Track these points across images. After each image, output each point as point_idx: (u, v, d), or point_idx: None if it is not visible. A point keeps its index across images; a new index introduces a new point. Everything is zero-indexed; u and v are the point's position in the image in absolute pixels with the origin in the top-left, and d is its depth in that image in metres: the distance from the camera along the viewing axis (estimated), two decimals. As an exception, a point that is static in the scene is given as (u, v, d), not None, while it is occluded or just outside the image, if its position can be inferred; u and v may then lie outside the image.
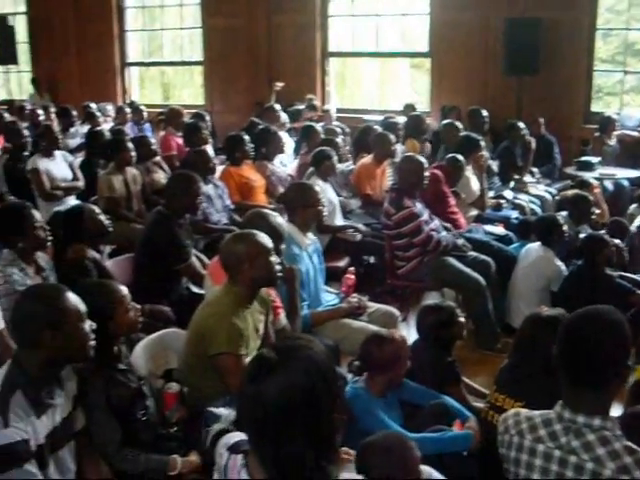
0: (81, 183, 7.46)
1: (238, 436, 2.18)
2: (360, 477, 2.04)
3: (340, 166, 7.45)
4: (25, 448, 2.62)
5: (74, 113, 10.66)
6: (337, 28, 12.23)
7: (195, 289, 5.17)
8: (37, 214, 4.45)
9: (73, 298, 2.78)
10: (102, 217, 4.83)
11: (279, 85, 10.88)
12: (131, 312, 3.33)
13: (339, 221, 6.77)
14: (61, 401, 2.84)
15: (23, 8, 14.74)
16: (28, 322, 2.70)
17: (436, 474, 3.02)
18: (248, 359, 3.64)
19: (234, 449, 2.13)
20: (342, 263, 6.32)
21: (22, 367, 2.70)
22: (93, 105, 11.15)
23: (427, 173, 5.97)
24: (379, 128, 8.23)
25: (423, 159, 6.12)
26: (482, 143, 7.46)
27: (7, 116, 10.30)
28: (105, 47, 13.78)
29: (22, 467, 2.60)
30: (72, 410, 2.94)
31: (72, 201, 7.19)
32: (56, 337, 2.68)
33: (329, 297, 4.99)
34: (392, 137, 7.60)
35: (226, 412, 3.29)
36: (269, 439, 1.90)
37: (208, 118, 9.21)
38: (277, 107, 9.66)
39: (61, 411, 2.85)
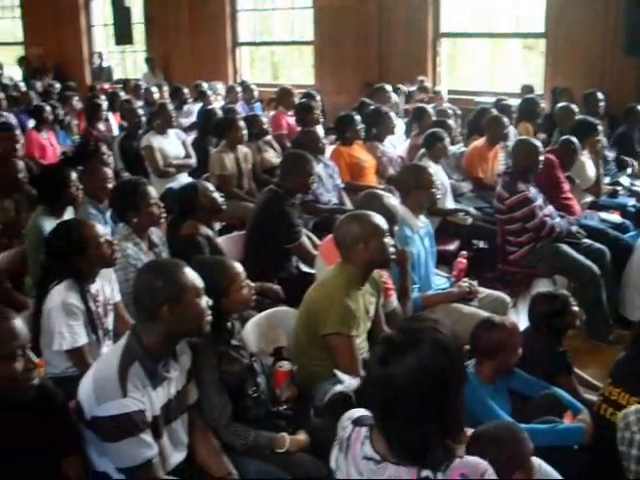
0: (193, 160, 7.58)
1: (362, 411, 2.19)
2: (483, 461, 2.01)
3: (451, 148, 7.32)
4: (141, 418, 2.67)
5: (186, 91, 10.82)
6: (449, 8, 12.02)
7: (305, 268, 5.19)
8: (152, 191, 4.52)
9: (192, 274, 2.81)
10: (216, 194, 4.86)
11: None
12: (245, 289, 3.34)
13: (450, 204, 6.66)
14: (176, 374, 2.88)
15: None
16: (148, 295, 2.74)
17: (547, 467, 2.94)
18: (359, 340, 3.65)
19: (358, 422, 2.15)
20: (452, 247, 6.22)
21: (140, 339, 2.75)
22: (204, 84, 11.32)
23: (542, 157, 5.80)
24: (494, 111, 8.05)
25: (538, 142, 5.95)
26: (599, 127, 7.19)
27: (123, 95, 10.56)
28: (217, 27, 13.95)
29: (138, 436, 2.65)
30: (186, 383, 2.98)
31: (184, 178, 7.31)
32: (174, 311, 2.71)
33: (439, 281, 4.92)
34: (505, 120, 7.42)
35: (350, 380, 3.31)
36: (397, 420, 1.92)
37: (319, 98, 9.19)
38: (388, 88, 9.57)
39: (176, 384, 2.90)
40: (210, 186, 4.93)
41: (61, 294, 3.61)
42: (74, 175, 5.15)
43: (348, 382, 3.28)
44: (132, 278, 4.10)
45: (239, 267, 3.38)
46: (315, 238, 5.44)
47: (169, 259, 2.91)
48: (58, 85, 12.82)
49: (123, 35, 14.35)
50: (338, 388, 3.23)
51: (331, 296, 3.56)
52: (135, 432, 2.64)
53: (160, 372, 2.78)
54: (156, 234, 4.58)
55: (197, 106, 10.31)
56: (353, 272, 3.65)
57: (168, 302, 2.70)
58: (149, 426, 2.71)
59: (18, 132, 7.22)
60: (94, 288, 3.78)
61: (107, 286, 3.92)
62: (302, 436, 3.22)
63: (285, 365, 3.49)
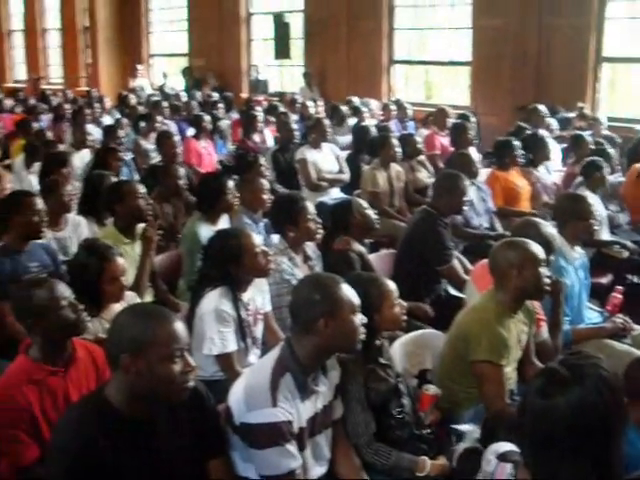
0: (346, 176, 7.66)
1: (509, 446, 2.15)
2: None
3: (609, 178, 7.08)
4: (288, 428, 2.71)
5: (344, 109, 10.88)
6: (612, 31, 11.60)
7: (454, 292, 5.13)
8: (311, 206, 4.58)
9: (349, 290, 2.84)
10: (369, 212, 4.89)
11: None
12: (397, 307, 3.34)
13: (605, 236, 6.43)
14: (324, 389, 2.91)
15: (300, 6, 15.36)
16: (305, 308, 2.79)
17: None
18: (509, 369, 3.57)
19: (503, 457, 2.10)
20: (605, 280, 5.98)
21: (294, 351, 2.79)
22: (356, 99, 11.41)
23: None
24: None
25: None
26: None
27: (281, 108, 10.81)
28: (374, 44, 14.03)
29: (284, 446, 2.70)
30: (332, 399, 3.00)
31: (336, 193, 7.40)
32: (329, 326, 2.74)
33: (592, 314, 4.75)
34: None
35: (470, 428, 3.25)
36: (551, 455, 1.85)
37: (474, 119, 9.11)
38: (542, 108, 9.34)
39: (323, 398, 2.92)
40: (364, 203, 4.96)
41: (215, 300, 3.73)
42: (231, 183, 5.30)
43: (469, 432, 3.21)
44: (284, 293, 4.25)
45: (392, 285, 3.39)
46: (467, 262, 5.37)
47: (328, 274, 2.94)
48: (216, 95, 13.29)
49: (282, 50, 14.72)
50: (462, 446, 3.17)
51: (483, 322, 3.51)
52: (281, 442, 2.69)
53: (310, 385, 2.82)
54: (311, 247, 4.66)
55: (351, 121, 10.41)
56: (505, 299, 3.58)
57: (324, 316, 2.74)
58: (295, 437, 2.75)
59: (177, 139, 7.53)
60: (246, 297, 3.88)
61: (259, 295, 4.01)
62: (442, 461, 3.18)
63: (431, 389, 3.46)
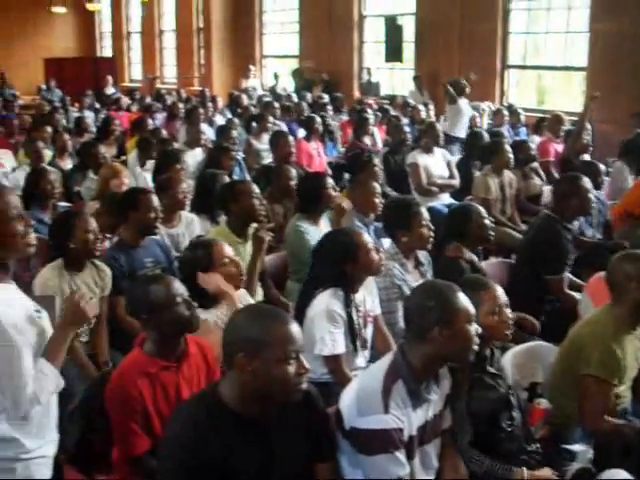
0: (457, 181, 7.58)
1: (623, 474, 2.07)
2: None
3: None
4: (399, 436, 2.70)
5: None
6: None
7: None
8: (425, 212, 4.52)
9: (465, 299, 2.80)
10: (487, 222, 4.75)
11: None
12: (497, 316, 3.25)
13: None
14: (436, 397, 2.88)
15: (412, 9, 15.29)
16: (419, 316, 2.76)
17: None
18: (622, 388, 3.45)
19: None
20: None
21: (407, 358, 2.77)
22: (483, 105, 11.23)
23: None
24: None
25: None
26: None
27: (392, 111, 10.79)
28: (487, 48, 13.83)
29: (393, 453, 2.68)
30: (443, 408, 2.96)
31: (446, 198, 7.33)
32: (444, 334, 2.71)
33: None
34: None
35: (583, 449, 3.17)
36: None
37: (589, 126, 8.85)
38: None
39: (434, 407, 2.89)
40: (483, 213, 4.81)
41: (325, 301, 3.74)
42: (330, 181, 5.33)
43: (582, 453, 3.12)
44: (394, 298, 4.24)
45: (499, 290, 3.32)
46: (575, 278, 5.21)
47: (444, 281, 2.90)
48: (327, 97, 13.36)
49: (393, 52, 14.69)
50: (575, 466, 3.08)
51: (598, 336, 3.42)
52: (391, 449, 2.67)
53: (422, 393, 2.79)
54: (422, 253, 4.60)
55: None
56: (623, 314, 3.47)
57: (439, 324, 2.71)
58: (404, 445, 2.73)
59: (291, 139, 7.60)
60: (357, 298, 3.88)
61: (369, 297, 4.01)
62: (545, 472, 3.09)
63: (542, 403, 3.39)
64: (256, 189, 5.05)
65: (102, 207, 5.45)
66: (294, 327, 2.48)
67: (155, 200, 4.78)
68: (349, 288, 3.81)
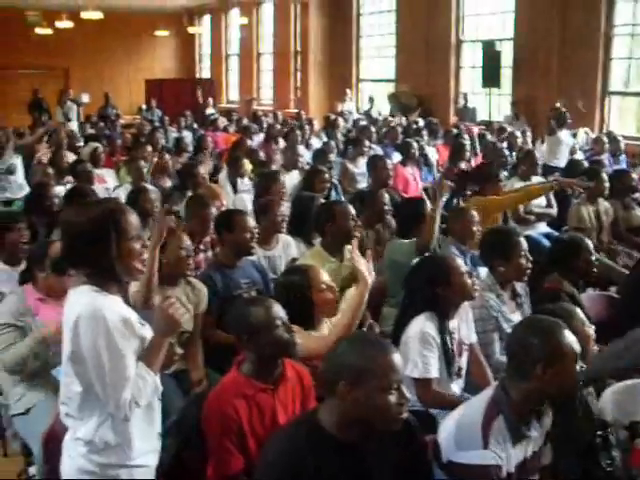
0: (554, 210, 7.43)
1: None
2: None
3: None
4: (497, 473, 2.66)
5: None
6: None
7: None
8: (524, 243, 4.45)
9: (571, 337, 2.75)
10: (593, 258, 4.67)
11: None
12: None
13: None
14: (536, 434, 2.83)
15: (510, 34, 15.15)
16: (523, 352, 2.73)
17: None
18: None
19: None
20: None
21: (508, 394, 2.74)
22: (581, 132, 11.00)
23: None
24: None
25: None
26: None
27: (489, 136, 10.69)
28: (587, 74, 13.55)
29: None
30: (543, 445, 2.91)
31: (542, 227, 7.21)
32: (547, 373, 2.68)
33: None
34: None
35: None
36: None
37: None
38: None
39: (534, 444, 2.85)
40: (591, 248, 4.70)
41: (420, 324, 3.75)
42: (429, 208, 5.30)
43: None
44: (490, 330, 4.19)
45: (590, 330, 3.25)
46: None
47: (549, 318, 2.85)
48: (422, 121, 13.33)
49: (491, 78, 14.55)
50: None
51: None
52: None
53: (522, 430, 2.74)
54: (520, 284, 4.52)
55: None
56: None
57: (543, 362, 2.67)
58: (502, 482, 2.69)
59: (389, 163, 7.61)
60: (451, 325, 3.86)
61: (463, 325, 3.98)
62: None
63: (644, 443, 3.28)
64: (352, 211, 5.08)
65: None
66: (397, 357, 2.48)
67: (250, 221, 4.87)
68: (443, 313, 3.80)
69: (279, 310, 3.25)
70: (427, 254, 4.80)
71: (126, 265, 2.62)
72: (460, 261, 3.99)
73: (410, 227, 5.28)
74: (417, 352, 3.69)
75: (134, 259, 2.62)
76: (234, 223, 4.78)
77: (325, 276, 3.89)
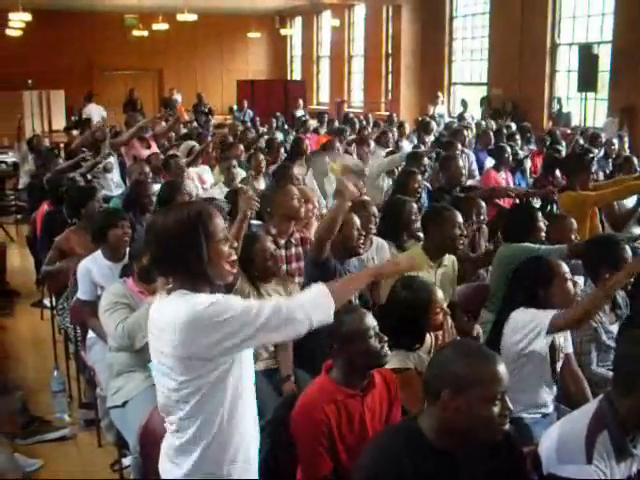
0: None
1: None
2: None
3: None
4: None
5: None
6: None
7: None
8: (565, 267, 4.09)
9: None
10: None
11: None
12: None
13: None
14: (640, 453, 2.73)
15: (609, 37, 14.80)
16: (628, 364, 2.66)
17: None
18: None
19: None
20: None
21: (614, 408, 2.66)
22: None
23: None
24: None
25: None
26: None
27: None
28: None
29: None
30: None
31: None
32: None
33: None
34: None
35: None
36: None
37: None
38: None
39: (638, 463, 2.74)
40: None
41: (522, 311, 3.76)
42: (540, 216, 5.28)
43: None
44: (587, 340, 4.22)
45: None
46: None
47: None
48: (514, 126, 13.10)
49: (587, 82, 14.18)
50: None
51: None
52: None
53: (628, 446, 2.66)
54: (621, 295, 4.40)
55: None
56: None
57: None
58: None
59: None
60: None
61: (561, 334, 3.90)
62: None
63: None
64: (460, 220, 4.95)
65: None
66: (502, 367, 2.44)
67: (357, 220, 4.79)
68: None
69: (372, 320, 3.24)
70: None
71: (217, 267, 2.59)
72: (566, 267, 3.91)
73: (521, 231, 5.17)
74: (527, 319, 3.70)
75: (224, 261, 2.61)
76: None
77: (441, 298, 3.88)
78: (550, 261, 3.92)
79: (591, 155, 8.60)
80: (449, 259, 4.93)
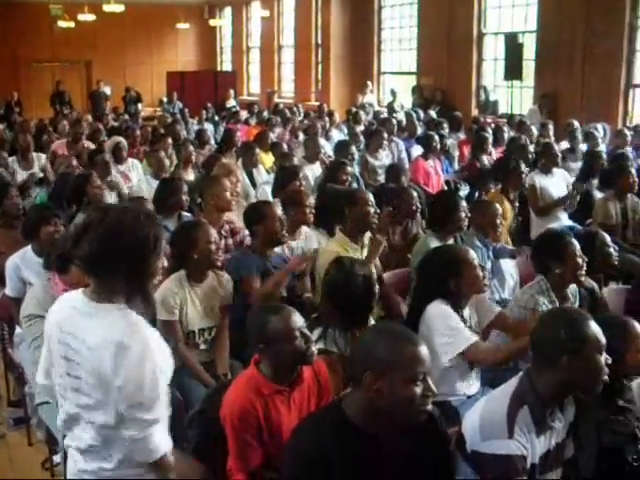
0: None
1: None
2: None
3: None
4: (522, 464, 2.65)
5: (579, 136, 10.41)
6: None
7: None
8: (577, 243, 4.30)
9: (596, 328, 2.74)
10: (612, 250, 4.66)
11: None
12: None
13: None
14: (559, 426, 2.82)
15: (533, 27, 15.05)
16: (548, 343, 2.72)
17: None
18: None
19: None
20: None
21: (533, 384, 2.73)
22: (576, 123, 10.89)
23: None
24: None
25: None
26: None
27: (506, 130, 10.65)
28: (611, 67, 13.44)
29: None
30: (565, 437, 2.90)
31: (565, 220, 7.16)
32: (573, 363, 2.66)
33: None
34: None
35: None
36: None
37: None
38: None
39: (557, 436, 2.83)
40: (608, 241, 4.69)
41: (437, 305, 3.81)
42: (464, 203, 5.32)
43: None
44: None
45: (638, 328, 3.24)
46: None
47: (575, 309, 2.85)
48: (434, 115, 13.26)
49: (513, 70, 14.46)
50: None
51: None
52: (513, 476, 2.63)
53: (546, 420, 2.74)
54: (571, 288, 4.41)
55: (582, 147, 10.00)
56: None
57: (569, 353, 2.66)
58: (526, 473, 2.68)
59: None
60: (464, 314, 3.92)
61: (474, 315, 4.04)
62: None
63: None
64: (372, 198, 5.19)
65: None
66: (423, 348, 2.49)
67: (279, 211, 4.94)
68: (455, 303, 3.85)
69: (298, 319, 3.23)
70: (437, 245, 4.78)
71: (150, 283, 2.51)
72: (472, 253, 3.98)
73: (443, 220, 5.26)
74: (445, 330, 3.73)
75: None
76: (264, 213, 4.81)
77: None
78: (458, 251, 3.97)
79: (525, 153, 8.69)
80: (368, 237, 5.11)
